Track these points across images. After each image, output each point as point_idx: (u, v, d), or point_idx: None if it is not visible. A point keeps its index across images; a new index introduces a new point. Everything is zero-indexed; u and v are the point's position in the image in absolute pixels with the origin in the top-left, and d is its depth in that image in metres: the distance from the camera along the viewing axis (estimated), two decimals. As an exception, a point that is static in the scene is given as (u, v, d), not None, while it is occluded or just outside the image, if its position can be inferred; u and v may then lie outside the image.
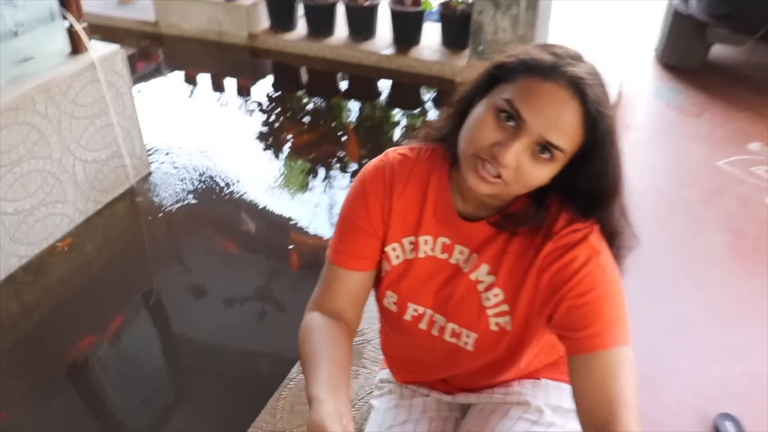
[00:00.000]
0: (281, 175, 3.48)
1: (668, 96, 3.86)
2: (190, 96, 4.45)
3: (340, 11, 4.54)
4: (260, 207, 3.22)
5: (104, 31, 4.68)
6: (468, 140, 1.06)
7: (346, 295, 1.28)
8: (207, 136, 3.80)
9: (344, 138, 3.85)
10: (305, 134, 3.88)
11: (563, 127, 0.99)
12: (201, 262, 2.92)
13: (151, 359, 2.45)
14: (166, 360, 2.48)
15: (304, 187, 3.39)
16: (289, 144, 3.79)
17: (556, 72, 1.00)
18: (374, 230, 1.25)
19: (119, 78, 2.91)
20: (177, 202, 3.16)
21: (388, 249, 1.25)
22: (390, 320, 1.36)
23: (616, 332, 1.05)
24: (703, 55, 4.04)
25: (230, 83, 4.58)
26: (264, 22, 4.76)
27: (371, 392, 1.68)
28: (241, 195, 3.26)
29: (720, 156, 3.26)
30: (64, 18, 2.68)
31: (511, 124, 1.01)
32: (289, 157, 3.65)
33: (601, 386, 1.03)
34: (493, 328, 1.21)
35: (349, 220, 1.27)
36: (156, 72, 4.76)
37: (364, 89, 4.42)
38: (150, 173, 3.27)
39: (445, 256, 1.22)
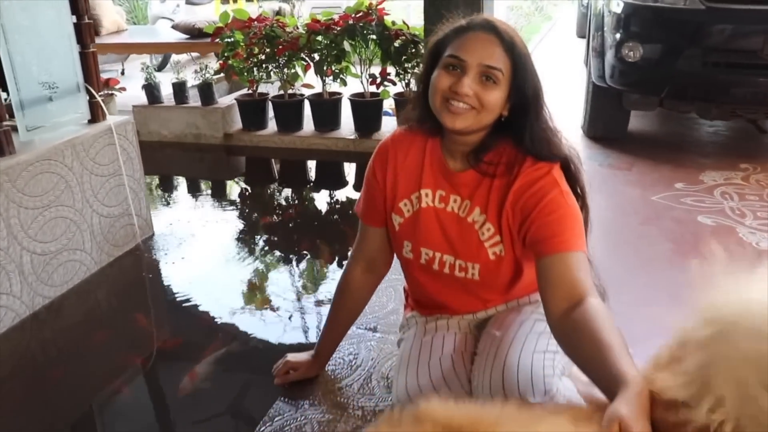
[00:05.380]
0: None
1: (599, 159, 4.45)
2: (170, 194, 4.76)
3: (307, 106, 5.07)
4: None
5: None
6: (432, 93, 1.50)
7: (373, 243, 1.79)
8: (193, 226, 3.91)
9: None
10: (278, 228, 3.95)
11: (491, 53, 1.43)
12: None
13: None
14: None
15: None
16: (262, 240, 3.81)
17: (473, 24, 1.48)
18: (382, 193, 1.68)
19: (130, 144, 3.27)
20: (173, 262, 3.39)
21: (400, 205, 1.67)
22: (410, 267, 1.75)
23: (577, 240, 1.42)
24: (625, 125, 4.66)
25: (207, 181, 4.93)
26: (238, 123, 5.26)
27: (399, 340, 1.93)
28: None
29: (652, 194, 3.79)
30: (87, 91, 3.08)
31: (457, 70, 1.45)
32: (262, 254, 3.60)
33: (567, 277, 1.34)
34: (492, 257, 1.58)
35: (366, 187, 1.73)
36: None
37: (333, 174, 4.85)
38: (153, 234, 3.55)
39: (442, 205, 1.62)
